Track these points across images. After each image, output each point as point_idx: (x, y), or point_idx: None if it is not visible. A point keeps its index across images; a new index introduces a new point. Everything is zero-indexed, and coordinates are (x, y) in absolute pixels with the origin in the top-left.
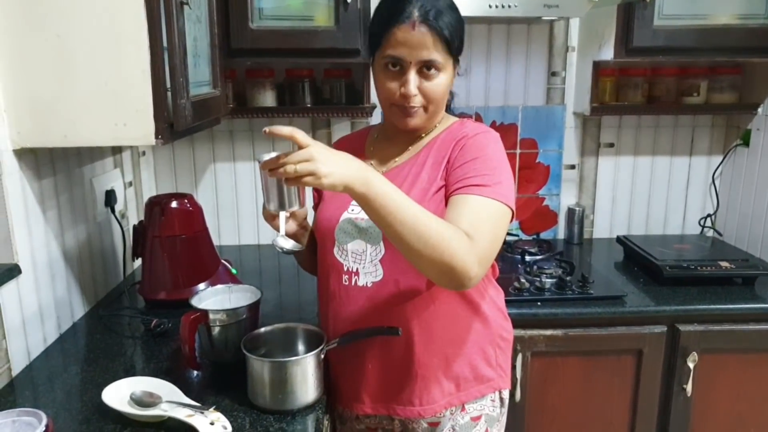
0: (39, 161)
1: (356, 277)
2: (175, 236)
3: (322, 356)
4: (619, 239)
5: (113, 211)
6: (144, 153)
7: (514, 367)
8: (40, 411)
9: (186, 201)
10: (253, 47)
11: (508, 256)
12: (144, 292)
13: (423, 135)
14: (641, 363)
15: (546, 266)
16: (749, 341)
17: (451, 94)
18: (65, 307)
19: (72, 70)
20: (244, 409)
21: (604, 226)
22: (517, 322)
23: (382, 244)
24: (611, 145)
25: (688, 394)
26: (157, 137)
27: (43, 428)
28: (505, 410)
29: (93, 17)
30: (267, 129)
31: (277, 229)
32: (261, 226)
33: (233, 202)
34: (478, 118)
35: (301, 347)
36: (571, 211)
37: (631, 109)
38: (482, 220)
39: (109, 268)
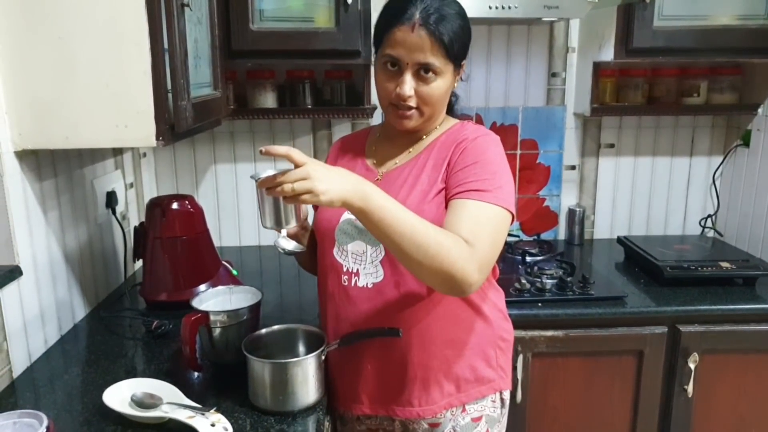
0: (40, 163)
1: (356, 277)
2: (176, 237)
3: (323, 357)
4: (619, 240)
5: (114, 212)
6: (145, 154)
7: (514, 368)
8: (41, 413)
9: (187, 202)
10: (253, 48)
11: (509, 257)
12: (145, 294)
13: (424, 137)
14: (642, 364)
15: (547, 267)
16: (750, 342)
17: (455, 97)
18: (66, 309)
19: (73, 72)
20: (245, 410)
21: (604, 227)
22: (518, 323)
23: (382, 245)
24: (612, 145)
25: (689, 395)
26: (158, 139)
27: (44, 430)
28: (505, 411)
29: (94, 19)
30: (263, 149)
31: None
32: (261, 228)
33: (234, 203)
34: (479, 119)
35: (301, 348)
36: (571, 212)
37: (632, 109)
38: (482, 226)
39: (110, 269)
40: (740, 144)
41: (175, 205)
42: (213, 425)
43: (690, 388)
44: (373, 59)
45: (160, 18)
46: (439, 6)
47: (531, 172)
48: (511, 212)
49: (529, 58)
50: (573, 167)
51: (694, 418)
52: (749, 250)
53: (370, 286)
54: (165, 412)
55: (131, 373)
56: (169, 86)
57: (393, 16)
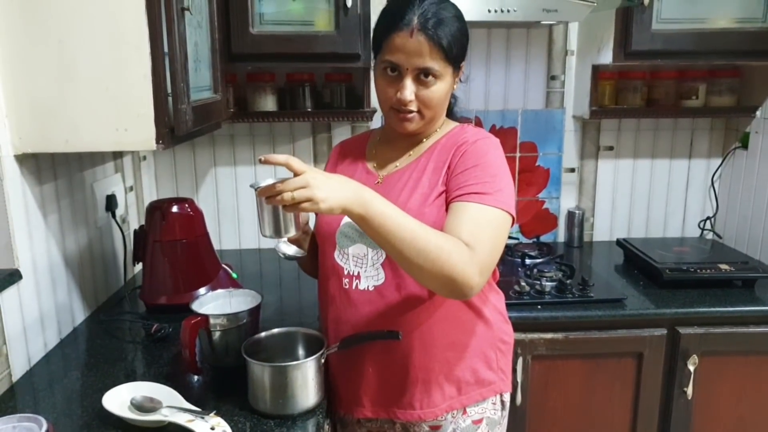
0: (40, 166)
1: (357, 280)
2: (175, 241)
3: (323, 361)
4: (619, 242)
5: (114, 215)
6: (145, 157)
7: (514, 371)
8: (41, 416)
9: (187, 205)
10: (253, 52)
11: (509, 260)
12: (145, 297)
13: (424, 140)
14: (642, 366)
15: (546, 269)
16: (749, 344)
17: (454, 99)
18: (66, 312)
19: (73, 76)
20: (245, 413)
21: (604, 229)
22: (518, 326)
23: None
24: (611, 148)
25: (689, 397)
26: (158, 142)
27: None
28: (506, 413)
29: (94, 23)
30: (262, 157)
31: None
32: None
33: (234, 206)
34: (478, 122)
35: (301, 352)
36: (571, 214)
37: (631, 112)
38: (482, 229)
39: (109, 272)
40: (739, 146)
41: (175, 209)
42: (213, 429)
43: (689, 390)
44: (372, 64)
45: (160, 22)
46: (437, 10)
47: (530, 175)
48: (512, 215)
49: (528, 61)
50: (572, 170)
51: (694, 420)
52: (748, 252)
53: (371, 289)
54: (164, 415)
55: (131, 377)
56: (169, 90)
57: (391, 21)
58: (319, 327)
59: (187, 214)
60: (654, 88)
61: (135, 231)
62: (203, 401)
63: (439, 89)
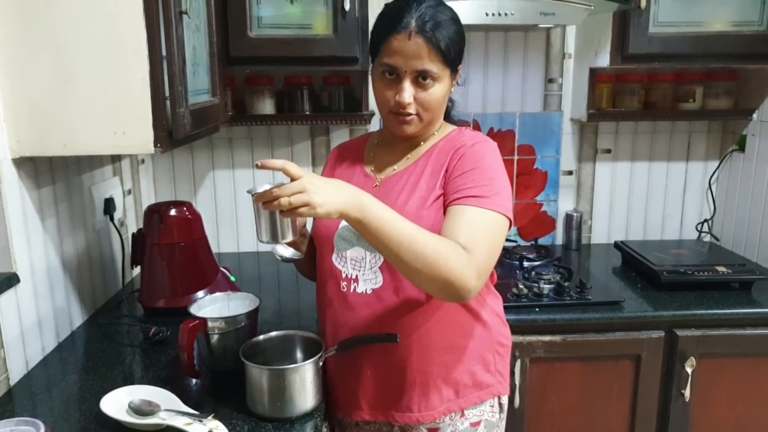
0: (38, 170)
1: (355, 283)
2: (174, 244)
3: (321, 363)
4: (616, 245)
5: (112, 219)
6: (143, 161)
7: (512, 373)
8: (38, 420)
9: (185, 209)
10: (252, 55)
11: (507, 262)
12: (143, 300)
13: (422, 143)
14: (639, 368)
15: (544, 272)
16: (747, 346)
17: (452, 102)
18: (64, 316)
19: (71, 79)
20: (243, 416)
21: (601, 232)
22: (516, 328)
23: None
24: (608, 151)
25: (687, 399)
26: (156, 145)
27: None
28: (504, 416)
29: (92, 26)
30: (259, 163)
31: None
32: None
33: (232, 209)
34: (476, 125)
35: (299, 355)
36: (568, 217)
37: (628, 115)
38: (480, 232)
39: (107, 276)
40: (736, 149)
41: (173, 212)
42: None
43: (687, 392)
44: (370, 67)
45: (158, 25)
46: (434, 13)
47: (528, 178)
48: (509, 218)
49: (526, 64)
50: (570, 172)
51: (692, 421)
52: (745, 254)
53: (369, 292)
54: (162, 419)
55: (129, 380)
56: (167, 93)
57: (389, 24)
58: (317, 330)
59: (186, 217)
60: (651, 91)
61: (133, 234)
62: (201, 404)
63: (438, 92)
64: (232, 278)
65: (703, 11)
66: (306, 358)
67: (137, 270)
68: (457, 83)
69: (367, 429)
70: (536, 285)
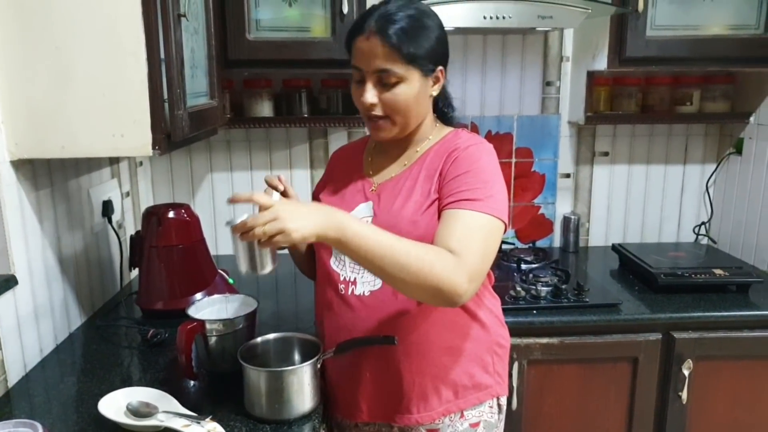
0: (36, 172)
1: (353, 286)
2: (172, 246)
3: (319, 365)
4: (614, 247)
5: (110, 221)
6: (141, 163)
7: (510, 375)
8: (36, 422)
9: (183, 211)
10: (250, 58)
11: (504, 265)
12: (141, 302)
13: (417, 147)
14: (637, 370)
15: (542, 274)
16: (743, 348)
17: (450, 107)
18: (62, 318)
19: (70, 82)
20: (241, 418)
21: (599, 235)
22: (513, 330)
23: None
24: (606, 153)
25: (684, 401)
26: (154, 148)
27: None
28: (503, 417)
29: (91, 29)
30: (229, 198)
31: None
32: None
33: (230, 211)
34: (474, 128)
35: (297, 357)
36: (566, 220)
37: (626, 118)
38: (472, 236)
39: (106, 278)
40: (733, 152)
41: (171, 214)
42: None
43: (684, 395)
44: None
45: (156, 28)
46: (396, 11)
47: (526, 180)
48: (504, 221)
49: (524, 67)
50: (568, 175)
51: (689, 424)
52: (742, 257)
53: (367, 294)
54: (161, 420)
55: (127, 382)
56: (165, 96)
57: (353, 28)
58: (316, 332)
59: (184, 219)
60: (649, 94)
61: (131, 236)
62: (199, 406)
63: (403, 92)
64: (231, 280)
65: (700, 15)
66: (304, 360)
67: (135, 272)
68: (442, 84)
69: (366, 430)
70: (534, 287)
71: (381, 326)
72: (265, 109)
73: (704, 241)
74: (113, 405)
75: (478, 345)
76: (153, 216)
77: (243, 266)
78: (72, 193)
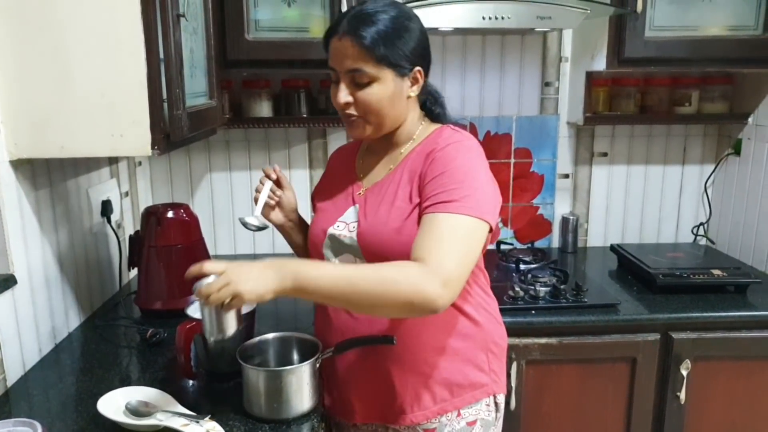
0: (35, 172)
1: None
2: (171, 246)
3: (318, 365)
4: (612, 248)
5: (109, 221)
6: (140, 163)
7: (509, 376)
8: (36, 421)
9: (182, 211)
10: (249, 58)
11: (503, 265)
12: (140, 302)
13: (401, 149)
14: (635, 370)
15: (540, 275)
16: (742, 349)
17: (438, 104)
18: (61, 318)
19: (69, 82)
20: (240, 418)
21: (598, 235)
22: (512, 330)
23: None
24: (605, 154)
25: (682, 402)
26: (153, 148)
27: None
28: (500, 415)
29: (91, 29)
30: (186, 275)
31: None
32: (257, 236)
33: (229, 211)
34: (473, 128)
35: (296, 356)
36: (565, 220)
37: (624, 118)
38: (443, 239)
39: (105, 278)
40: (731, 153)
41: (170, 214)
42: None
43: (682, 395)
44: None
45: (155, 28)
46: (370, 12)
47: (525, 181)
48: (484, 219)
49: (523, 67)
50: (566, 176)
51: (687, 424)
52: (741, 257)
53: None
54: (160, 420)
55: (126, 382)
56: (164, 96)
57: (328, 29)
58: (314, 332)
59: (183, 219)
60: (647, 94)
61: (130, 236)
62: (198, 406)
63: (376, 92)
64: None
65: (699, 15)
66: (303, 359)
67: (134, 272)
68: (429, 85)
69: (364, 429)
70: (532, 288)
71: (373, 327)
72: (264, 109)
73: (703, 241)
74: (112, 404)
75: (472, 343)
76: (152, 216)
77: (208, 331)
78: (71, 193)
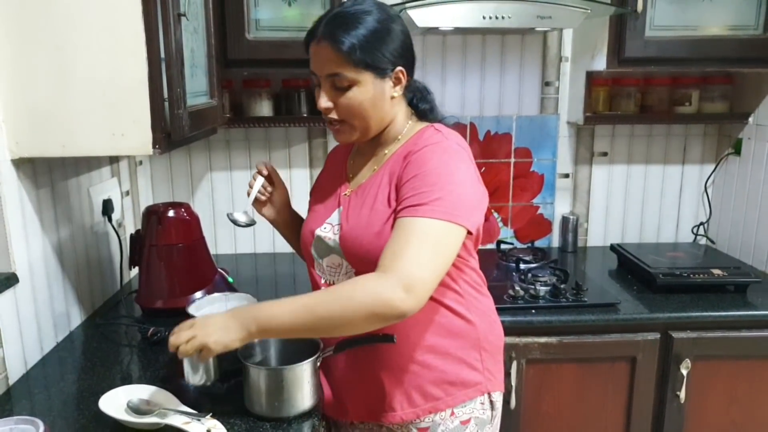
0: (37, 171)
1: None
2: (172, 245)
3: (318, 364)
4: (612, 247)
5: (110, 220)
6: (141, 162)
7: (509, 374)
8: (37, 419)
9: (183, 210)
10: (249, 58)
11: (503, 264)
12: (141, 301)
13: (385, 151)
14: (635, 370)
15: (540, 274)
16: (741, 348)
17: (424, 101)
18: (62, 316)
19: (70, 81)
20: (241, 416)
21: (598, 235)
22: (512, 330)
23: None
24: (605, 154)
25: (682, 401)
26: (154, 147)
27: None
28: (496, 413)
29: (91, 28)
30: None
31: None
32: (257, 235)
33: (229, 211)
34: (473, 128)
35: (297, 355)
36: (565, 220)
37: (624, 118)
38: (411, 244)
39: (106, 277)
40: (731, 152)
41: (171, 213)
42: (209, 431)
43: (682, 394)
44: None
45: (156, 28)
46: (346, 13)
47: (525, 181)
48: (456, 222)
49: (523, 67)
50: (566, 175)
51: (687, 423)
52: (741, 257)
53: None
54: (161, 418)
55: (127, 380)
56: (165, 95)
57: (307, 34)
58: None
59: (184, 218)
60: (647, 94)
61: (131, 235)
62: (199, 404)
63: (356, 96)
64: (230, 279)
65: (700, 15)
66: (304, 358)
67: (135, 271)
68: (415, 82)
69: (361, 428)
70: (532, 287)
71: None
72: (264, 108)
73: (703, 241)
74: (114, 402)
75: (464, 342)
76: (153, 215)
77: (187, 376)
78: (72, 192)
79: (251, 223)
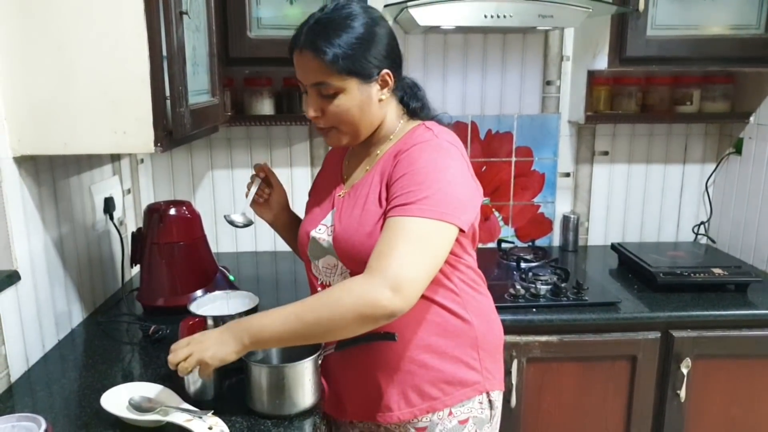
0: (39, 168)
1: None
2: (173, 243)
3: (320, 362)
4: (613, 246)
5: (112, 218)
6: (142, 160)
7: (509, 373)
8: (39, 416)
9: (184, 208)
10: (251, 56)
11: (504, 263)
12: (142, 299)
13: (378, 152)
14: (635, 369)
15: (541, 273)
16: (742, 347)
17: (415, 99)
18: (64, 314)
19: (72, 79)
20: (242, 414)
21: (598, 234)
22: (513, 329)
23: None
24: (606, 153)
25: (682, 400)
26: (156, 145)
27: None
28: (496, 412)
29: (94, 27)
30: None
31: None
32: (258, 234)
33: (231, 209)
34: (474, 127)
35: (298, 353)
36: (566, 219)
37: (626, 117)
38: (398, 244)
39: (107, 274)
40: (732, 152)
41: (172, 211)
42: (210, 428)
43: (683, 393)
44: None
45: (158, 26)
46: (327, 20)
47: (526, 180)
48: (445, 220)
49: (524, 66)
50: (567, 174)
51: (687, 422)
52: (741, 256)
53: None
54: (163, 415)
55: (129, 378)
56: (167, 93)
57: (290, 43)
58: None
59: (185, 216)
60: (649, 93)
61: (132, 233)
62: (201, 402)
63: (343, 103)
64: (231, 278)
65: (701, 14)
66: (305, 356)
67: (136, 269)
68: (405, 80)
69: (360, 427)
70: (533, 286)
71: None
72: (265, 107)
73: (703, 240)
74: (115, 400)
75: (461, 341)
76: (154, 213)
77: (189, 393)
78: (74, 190)
79: (249, 224)
